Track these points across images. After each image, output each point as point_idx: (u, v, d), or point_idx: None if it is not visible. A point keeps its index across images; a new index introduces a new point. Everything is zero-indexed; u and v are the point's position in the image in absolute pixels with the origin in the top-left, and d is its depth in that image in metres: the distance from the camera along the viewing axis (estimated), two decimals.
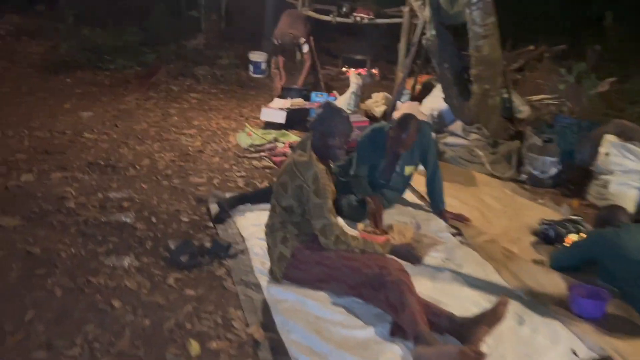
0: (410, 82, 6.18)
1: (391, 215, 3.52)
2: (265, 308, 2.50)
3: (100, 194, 3.69)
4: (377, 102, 5.95)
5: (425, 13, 5.11)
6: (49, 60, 7.62)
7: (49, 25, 8.77)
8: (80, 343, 2.19)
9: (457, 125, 4.92)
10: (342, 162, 3.58)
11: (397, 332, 2.35)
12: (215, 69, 7.64)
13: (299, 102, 5.83)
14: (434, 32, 4.95)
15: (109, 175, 4.05)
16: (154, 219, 3.39)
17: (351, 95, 5.89)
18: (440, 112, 5.28)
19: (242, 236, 3.21)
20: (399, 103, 5.78)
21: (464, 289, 2.80)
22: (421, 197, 3.91)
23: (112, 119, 5.52)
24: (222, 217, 3.43)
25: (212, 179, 4.15)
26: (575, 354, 2.35)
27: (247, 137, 5.09)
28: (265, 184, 4.10)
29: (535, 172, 4.39)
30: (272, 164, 4.54)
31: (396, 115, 5.23)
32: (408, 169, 3.64)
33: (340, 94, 6.22)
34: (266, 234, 2.75)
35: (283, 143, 4.96)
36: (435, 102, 5.41)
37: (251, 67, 7.76)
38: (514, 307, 2.57)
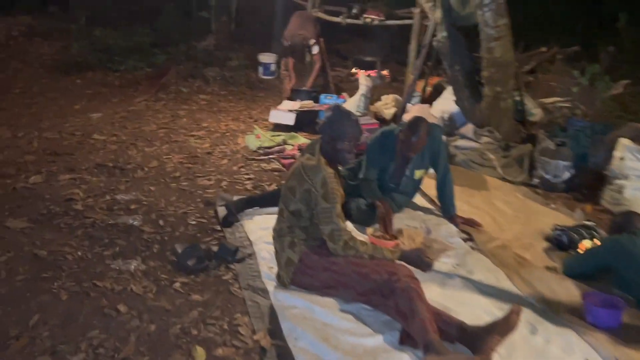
0: (420, 84, 6.12)
1: (401, 220, 3.47)
2: (273, 314, 2.47)
3: (108, 196, 3.68)
4: (387, 104, 5.91)
5: (437, 14, 5.06)
6: (60, 61, 7.67)
7: (61, 26, 8.82)
8: (85, 349, 2.16)
9: (468, 128, 4.86)
10: (351, 165, 3.54)
11: (406, 340, 2.30)
12: (225, 71, 7.63)
13: (308, 104, 5.80)
14: (445, 33, 4.90)
15: (117, 177, 4.04)
16: (161, 222, 3.37)
17: (361, 97, 5.84)
18: (451, 115, 5.22)
19: (249, 240, 3.17)
20: (409, 105, 5.72)
21: (475, 296, 2.75)
22: (431, 201, 3.86)
23: (122, 120, 5.52)
24: (230, 220, 3.40)
25: (220, 181, 4.12)
26: None
27: (256, 139, 5.07)
28: (274, 186, 4.07)
29: (548, 177, 4.31)
30: (280, 167, 4.51)
31: (406, 117, 5.18)
32: (418, 173, 3.59)
33: (350, 95, 6.18)
34: (274, 238, 2.71)
35: (292, 145, 4.92)
36: (446, 104, 5.36)
37: (261, 69, 7.74)
38: (526, 316, 2.50)
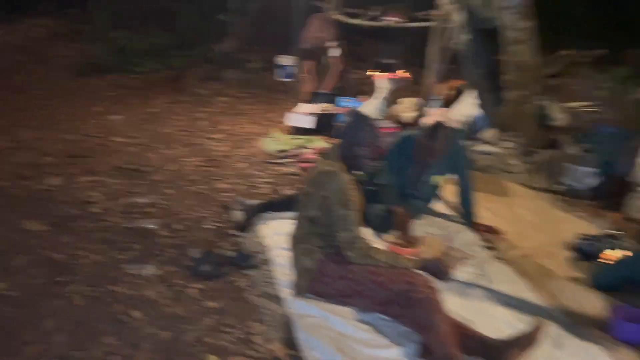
0: (441, 88, 6.02)
1: (420, 227, 3.39)
2: (288, 323, 2.42)
3: (125, 199, 3.68)
4: (406, 108, 5.83)
5: (458, 17, 4.97)
6: (80, 63, 7.76)
7: (81, 28, 8.93)
8: (99, 356, 2.14)
9: (490, 133, 4.76)
10: (369, 170, 3.47)
11: (424, 353, 2.23)
12: (244, 73, 7.64)
13: (326, 107, 5.75)
14: (467, 36, 4.81)
15: (135, 179, 4.04)
16: (177, 226, 3.35)
17: (380, 101, 5.77)
18: (472, 119, 5.12)
19: (265, 245, 3.13)
20: (429, 109, 5.63)
21: (496, 307, 2.66)
22: (451, 207, 3.77)
23: (141, 122, 5.55)
24: (246, 225, 3.36)
25: (238, 185, 4.10)
26: None
27: (274, 142, 5.03)
28: (291, 191, 4.02)
29: (573, 183, 4.20)
30: (298, 171, 4.46)
31: (426, 121, 5.10)
32: (438, 179, 3.51)
33: (369, 98, 6.11)
34: (290, 245, 2.66)
35: (310, 149, 4.88)
36: (466, 108, 5.26)
37: (279, 71, 7.72)
38: (550, 330, 2.41)
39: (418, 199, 3.53)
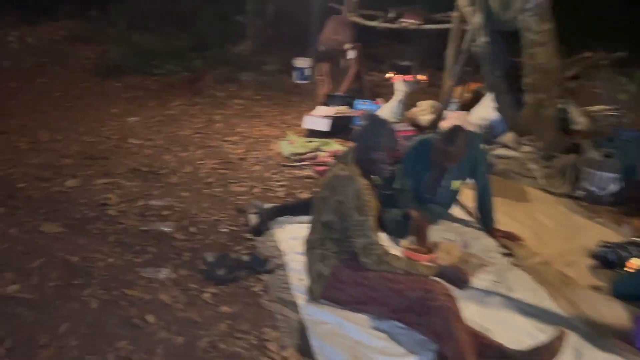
0: (459, 90, 5.96)
1: (437, 232, 3.35)
2: (302, 329, 2.39)
3: (141, 201, 3.69)
4: (423, 111, 5.76)
5: (477, 19, 4.91)
6: (99, 65, 7.84)
7: (101, 30, 9.01)
8: None
9: (509, 137, 4.69)
10: (386, 174, 3.43)
11: None
12: (260, 75, 7.65)
13: (343, 109, 5.72)
14: (485, 38, 4.75)
15: (151, 182, 4.05)
16: (193, 229, 3.34)
17: (397, 104, 5.72)
18: (490, 122, 5.05)
19: (280, 250, 3.11)
20: (447, 112, 5.57)
21: (515, 316, 2.61)
22: (469, 213, 3.71)
23: (158, 124, 5.58)
24: (261, 228, 3.34)
25: (253, 188, 4.08)
26: None
27: (290, 145, 5.01)
28: (306, 194, 4.00)
29: (593, 189, 4.11)
30: (313, 174, 4.44)
31: (444, 125, 5.04)
32: (456, 183, 3.46)
33: (386, 101, 6.07)
34: (305, 249, 2.64)
35: (325, 152, 4.85)
36: (485, 111, 5.19)
37: (296, 73, 7.71)
38: (571, 340, 2.36)
39: (435, 204, 3.49)
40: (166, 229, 3.30)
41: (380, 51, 8.99)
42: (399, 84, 5.90)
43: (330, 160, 4.63)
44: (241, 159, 4.73)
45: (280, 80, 7.63)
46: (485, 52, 4.77)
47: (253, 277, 2.82)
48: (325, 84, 6.44)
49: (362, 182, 2.45)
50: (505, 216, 3.62)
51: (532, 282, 2.91)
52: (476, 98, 5.74)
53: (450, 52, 5.89)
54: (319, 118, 5.42)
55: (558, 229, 3.60)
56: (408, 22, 6.72)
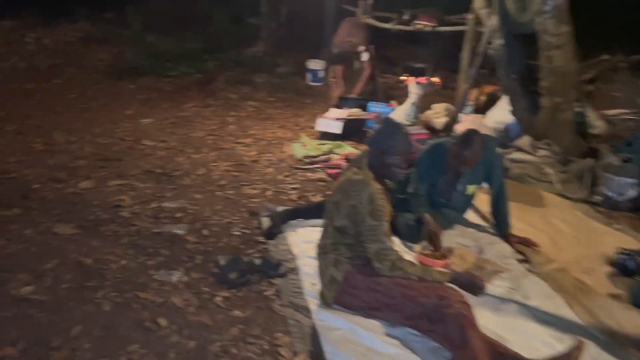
0: (474, 93, 5.90)
1: (451, 238, 3.30)
2: (315, 335, 2.36)
3: (154, 203, 3.69)
4: (438, 114, 5.72)
5: (493, 21, 4.86)
6: (114, 67, 7.88)
7: (116, 32, 9.07)
8: None
9: (525, 140, 4.62)
10: (399, 178, 3.40)
11: None
12: (274, 77, 7.65)
13: (356, 112, 5.69)
14: (501, 41, 4.69)
15: (164, 184, 4.06)
16: (205, 232, 3.34)
17: (411, 106, 5.68)
18: (506, 126, 4.99)
19: (292, 254, 3.09)
20: (461, 115, 5.52)
21: (531, 324, 2.56)
22: (484, 218, 3.67)
23: (171, 126, 5.59)
24: (273, 232, 3.33)
25: (265, 190, 4.07)
26: None
27: (302, 147, 5.00)
28: (319, 197, 3.98)
29: (611, 194, 4.03)
30: (326, 177, 4.42)
31: (459, 128, 4.99)
32: (471, 188, 3.41)
33: (399, 103, 6.03)
34: (317, 254, 2.61)
35: (338, 154, 4.83)
36: (500, 115, 5.13)
37: (309, 75, 7.70)
38: (588, 349, 2.31)
39: (449, 209, 3.44)
40: (179, 232, 3.30)
41: (394, 53, 8.95)
42: (413, 86, 5.86)
43: (343, 163, 4.60)
44: (254, 161, 4.72)
45: (294, 83, 7.62)
46: (502, 55, 4.71)
47: (265, 281, 2.81)
48: (338, 87, 6.42)
49: (376, 186, 2.42)
50: (520, 221, 3.56)
51: (549, 289, 2.86)
52: (491, 101, 5.69)
53: (464, 55, 5.84)
54: (331, 120, 5.40)
55: (575, 235, 3.54)
56: (422, 24, 6.67)
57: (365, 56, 6.26)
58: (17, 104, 6.01)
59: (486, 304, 2.62)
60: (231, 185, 4.13)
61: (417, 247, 3.13)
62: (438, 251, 3.04)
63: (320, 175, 4.46)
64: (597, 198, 4.10)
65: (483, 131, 3.42)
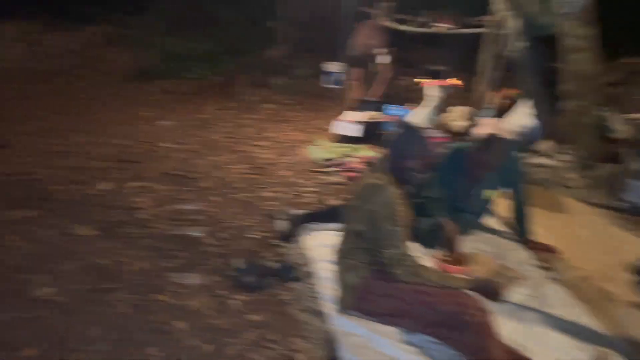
0: (494, 96, 5.82)
1: (471, 243, 3.25)
2: (332, 341, 2.34)
3: (172, 205, 3.71)
4: (457, 117, 5.65)
5: (515, 24, 4.79)
6: (134, 69, 7.97)
7: (137, 34, 9.18)
8: None
9: (546, 145, 4.55)
10: (418, 182, 3.36)
11: None
12: (291, 80, 7.66)
13: (374, 115, 5.66)
14: (523, 44, 4.62)
15: (182, 186, 4.07)
16: (222, 234, 3.34)
17: (429, 109, 5.62)
18: (527, 130, 4.90)
19: (309, 257, 3.07)
20: (481, 119, 5.45)
21: (552, 333, 2.50)
22: (504, 223, 3.61)
23: (189, 128, 5.62)
24: (290, 235, 3.31)
25: (282, 193, 4.06)
26: None
27: (319, 150, 4.98)
28: (336, 201, 3.96)
29: (635, 200, 3.94)
30: (343, 180, 4.39)
31: (478, 132, 4.92)
32: (490, 193, 3.36)
33: (417, 106, 5.97)
34: (335, 259, 2.59)
35: (355, 158, 4.80)
36: (521, 118, 5.03)
37: (326, 78, 7.67)
38: None
39: (469, 213, 3.39)
40: (196, 234, 3.31)
41: (413, 56, 8.89)
42: (432, 89, 5.80)
43: (360, 166, 4.58)
44: (271, 164, 4.72)
45: (311, 85, 7.62)
46: (523, 58, 4.64)
47: (282, 285, 2.79)
48: (356, 89, 6.40)
49: (395, 191, 2.39)
50: (541, 227, 3.49)
51: (570, 297, 2.80)
52: (512, 104, 5.60)
53: (483, 57, 5.77)
54: (350, 123, 5.38)
55: (597, 242, 3.46)
56: (441, 26, 6.62)
57: (385, 59, 6.22)
58: (38, 106, 6.10)
59: (506, 312, 2.57)
60: (248, 188, 4.13)
61: (436, 253, 3.09)
62: (456, 256, 3.00)
63: (337, 178, 4.44)
64: (622, 204, 4.01)
65: (503, 135, 3.36)
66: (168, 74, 7.75)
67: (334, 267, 2.58)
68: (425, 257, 3.07)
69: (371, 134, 5.30)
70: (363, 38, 6.31)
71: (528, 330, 2.50)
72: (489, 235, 3.44)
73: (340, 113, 5.96)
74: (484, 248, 3.24)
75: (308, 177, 4.43)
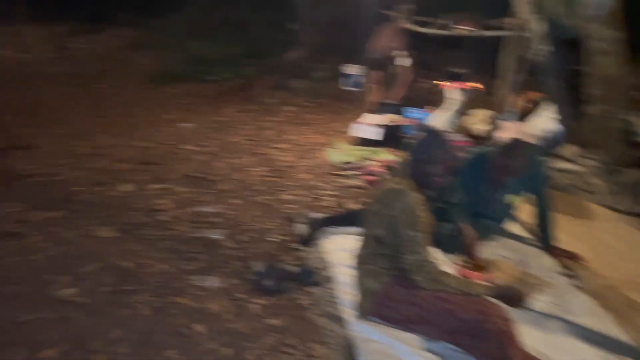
0: (516, 100, 5.74)
1: (493, 249, 3.20)
2: (351, 347, 2.32)
3: (193, 207, 3.73)
4: (478, 121, 5.59)
5: (539, 26, 4.71)
6: (157, 72, 8.07)
7: (159, 38, 9.29)
8: None
9: (571, 149, 4.46)
10: (440, 187, 3.32)
11: None
12: (311, 82, 7.66)
13: (393, 118, 5.63)
14: (548, 47, 4.54)
15: (203, 188, 4.09)
16: (242, 237, 3.34)
17: (451, 113, 5.57)
18: (550, 134, 4.82)
19: (328, 261, 3.05)
20: (503, 123, 5.37)
21: (577, 343, 2.44)
22: (527, 229, 3.54)
23: (210, 131, 5.66)
24: (309, 239, 3.30)
25: (302, 196, 4.06)
26: None
27: (338, 153, 4.97)
28: (355, 204, 3.94)
29: None
30: (362, 183, 4.37)
31: (501, 136, 4.86)
32: (513, 198, 3.30)
33: (438, 110, 5.92)
34: (355, 264, 2.57)
35: (375, 161, 4.77)
36: (545, 122, 4.96)
37: (346, 80, 7.65)
38: None
39: (491, 219, 3.34)
40: (216, 237, 3.32)
41: (433, 58, 8.83)
42: (454, 92, 5.75)
43: (380, 169, 4.55)
44: (290, 166, 4.72)
45: (331, 88, 7.61)
46: (547, 61, 4.56)
47: (301, 289, 2.78)
48: (376, 92, 6.37)
49: (416, 196, 2.36)
50: (565, 234, 3.42)
51: (596, 306, 2.73)
52: (535, 108, 5.51)
53: (505, 60, 5.70)
54: (369, 126, 5.35)
55: (624, 250, 3.38)
56: (462, 28, 6.56)
57: (406, 61, 6.18)
58: (64, 108, 6.21)
59: (529, 320, 2.52)
60: (267, 190, 4.14)
61: (457, 258, 3.05)
62: (476, 262, 2.96)
63: (357, 181, 4.41)
64: None
65: (526, 139, 3.30)
66: (190, 76, 7.82)
67: (353, 272, 2.56)
68: (445, 263, 3.04)
69: (391, 137, 5.27)
70: (383, 40, 6.28)
71: (551, 339, 2.45)
72: (511, 242, 3.38)
73: (359, 116, 5.94)
74: (507, 254, 3.18)
75: (327, 180, 4.42)
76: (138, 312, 2.50)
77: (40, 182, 3.96)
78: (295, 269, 2.92)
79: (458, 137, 5.05)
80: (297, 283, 2.81)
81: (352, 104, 7.08)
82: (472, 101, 6.28)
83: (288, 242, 3.33)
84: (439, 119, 5.59)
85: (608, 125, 4.21)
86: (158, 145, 5.05)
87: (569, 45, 4.63)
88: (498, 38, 6.08)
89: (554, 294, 2.79)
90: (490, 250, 3.17)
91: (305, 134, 5.73)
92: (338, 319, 2.51)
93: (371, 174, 4.48)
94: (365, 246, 2.51)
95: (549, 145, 4.76)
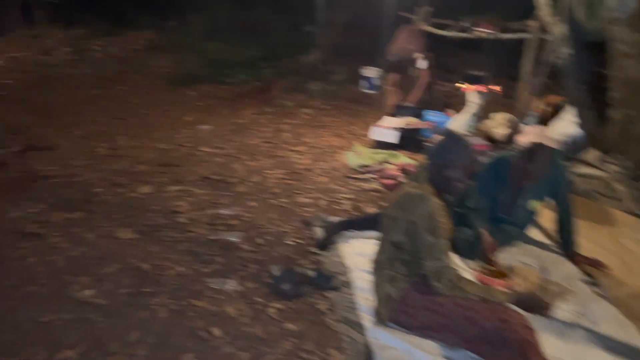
0: (537, 103, 5.66)
1: (514, 255, 3.15)
2: (368, 353, 2.30)
3: (211, 209, 3.73)
4: (498, 124, 5.52)
5: (561, 29, 4.64)
6: (175, 74, 8.12)
7: (178, 40, 9.37)
8: None
9: (593, 154, 4.38)
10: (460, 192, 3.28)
11: None
12: (329, 85, 7.65)
13: (412, 121, 5.59)
14: (569, 50, 4.47)
15: (221, 190, 4.10)
16: (259, 241, 3.34)
17: (470, 116, 5.52)
18: (572, 138, 4.74)
19: (346, 266, 3.03)
20: (524, 126, 5.30)
21: (600, 352, 2.39)
22: (549, 235, 3.48)
23: (228, 133, 5.67)
24: (326, 242, 3.28)
25: (319, 199, 4.04)
26: None
27: (356, 156, 4.94)
28: (373, 208, 3.91)
29: None
30: (380, 187, 4.34)
31: (521, 140, 4.79)
32: (534, 203, 3.25)
33: (457, 112, 5.87)
34: (373, 269, 2.54)
35: (393, 164, 4.74)
36: (566, 126, 4.88)
37: (364, 83, 7.64)
38: None
39: (511, 225, 3.29)
40: (234, 239, 3.32)
41: (451, 61, 8.76)
42: (472, 95, 5.69)
43: (397, 173, 4.52)
44: (307, 169, 4.71)
45: (349, 90, 7.60)
46: (569, 64, 4.49)
47: (318, 293, 2.77)
48: (394, 95, 6.33)
49: (436, 202, 2.33)
50: (588, 241, 3.36)
51: (620, 315, 2.67)
52: (556, 112, 5.43)
53: (526, 63, 5.62)
54: (387, 129, 5.32)
55: None
56: (482, 31, 6.49)
57: (424, 64, 6.14)
58: (84, 110, 6.28)
59: (551, 329, 2.48)
60: (285, 193, 4.13)
61: (477, 265, 3.00)
62: (496, 269, 2.91)
63: (374, 185, 4.39)
64: None
65: (548, 143, 3.25)
66: (208, 79, 7.87)
67: (371, 278, 2.54)
68: (465, 269, 3.00)
69: (409, 140, 5.23)
70: (401, 43, 6.24)
71: (574, 348, 2.40)
72: (532, 248, 3.32)
73: (377, 119, 5.91)
74: (528, 261, 3.13)
75: (344, 184, 4.40)
76: (156, 314, 2.50)
77: (60, 183, 4.01)
78: (313, 273, 2.90)
79: (477, 141, 5.00)
80: (314, 287, 2.80)
81: (370, 106, 7.05)
82: (491, 104, 6.21)
83: (305, 246, 3.31)
84: (457, 122, 5.54)
85: (631, 129, 4.11)
86: (176, 147, 5.08)
87: (590, 48, 4.55)
88: (518, 41, 6.00)
89: (576, 302, 2.74)
90: (510, 256, 3.12)
91: (322, 137, 5.72)
92: (356, 325, 2.49)
93: (389, 177, 4.45)
94: (383, 251, 2.48)
95: (571, 150, 4.69)
